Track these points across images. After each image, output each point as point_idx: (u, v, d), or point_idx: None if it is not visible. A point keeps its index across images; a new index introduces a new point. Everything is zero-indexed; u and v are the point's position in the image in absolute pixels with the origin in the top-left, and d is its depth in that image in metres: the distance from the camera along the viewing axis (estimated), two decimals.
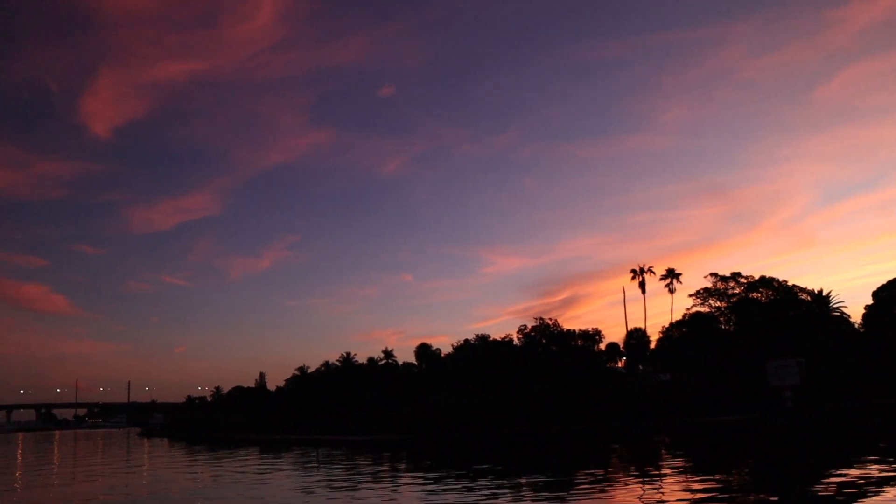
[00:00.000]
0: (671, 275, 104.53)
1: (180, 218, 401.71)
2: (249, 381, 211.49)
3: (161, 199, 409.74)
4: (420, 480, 27.62)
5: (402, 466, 36.61)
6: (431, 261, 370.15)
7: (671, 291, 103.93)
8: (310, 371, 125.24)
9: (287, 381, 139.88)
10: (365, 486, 26.50)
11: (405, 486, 26.04)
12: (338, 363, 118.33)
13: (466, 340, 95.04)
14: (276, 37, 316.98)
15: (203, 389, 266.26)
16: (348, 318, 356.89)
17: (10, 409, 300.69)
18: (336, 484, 27.33)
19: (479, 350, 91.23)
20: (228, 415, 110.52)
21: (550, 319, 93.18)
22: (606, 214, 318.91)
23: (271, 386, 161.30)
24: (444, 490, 23.86)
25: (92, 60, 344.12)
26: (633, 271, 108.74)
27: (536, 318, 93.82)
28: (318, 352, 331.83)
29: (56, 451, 65.88)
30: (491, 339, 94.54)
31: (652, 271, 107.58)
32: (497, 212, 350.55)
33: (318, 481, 28.65)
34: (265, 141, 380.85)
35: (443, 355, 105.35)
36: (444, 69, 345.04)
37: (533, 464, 33.80)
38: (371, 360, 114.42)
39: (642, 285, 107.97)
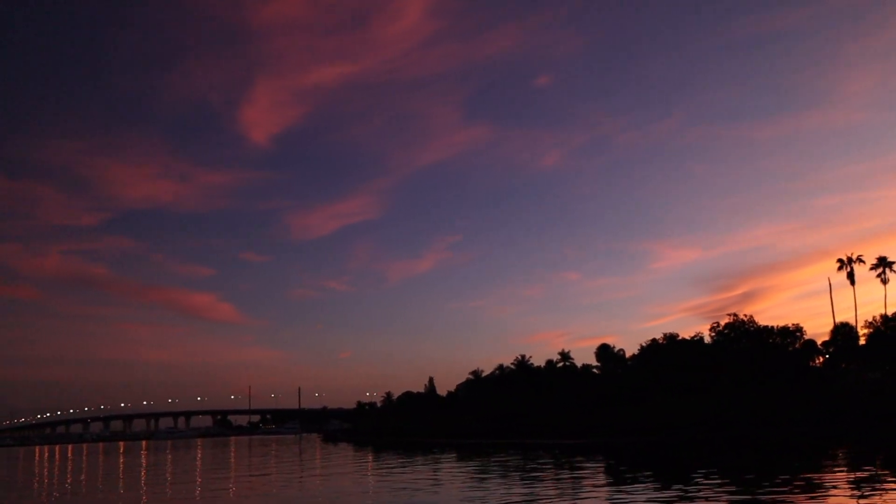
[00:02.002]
0: (883, 263, 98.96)
1: (339, 223, 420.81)
2: (415, 386, 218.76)
3: (320, 205, 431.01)
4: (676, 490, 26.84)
5: (626, 472, 36.62)
6: (597, 257, 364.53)
7: (884, 282, 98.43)
8: (484, 375, 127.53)
9: (459, 385, 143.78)
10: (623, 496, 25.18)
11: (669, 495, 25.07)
12: (512, 366, 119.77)
13: (654, 340, 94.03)
14: (425, 33, 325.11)
15: (372, 395, 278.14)
16: (512, 320, 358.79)
17: (188, 415, 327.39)
18: (585, 492, 26.58)
19: (666, 350, 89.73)
20: (402, 420, 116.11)
21: (745, 316, 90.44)
22: (786, 200, 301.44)
23: (440, 391, 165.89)
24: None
25: (248, 71, 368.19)
26: (840, 261, 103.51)
27: (730, 315, 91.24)
28: (482, 355, 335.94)
29: (274, 456, 70.92)
30: (679, 338, 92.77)
31: (861, 260, 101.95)
32: (664, 202, 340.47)
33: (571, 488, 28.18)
34: (420, 140, 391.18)
35: (626, 356, 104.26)
36: (602, 54, 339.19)
37: (773, 471, 31.52)
38: (550, 362, 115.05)
39: (851, 276, 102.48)
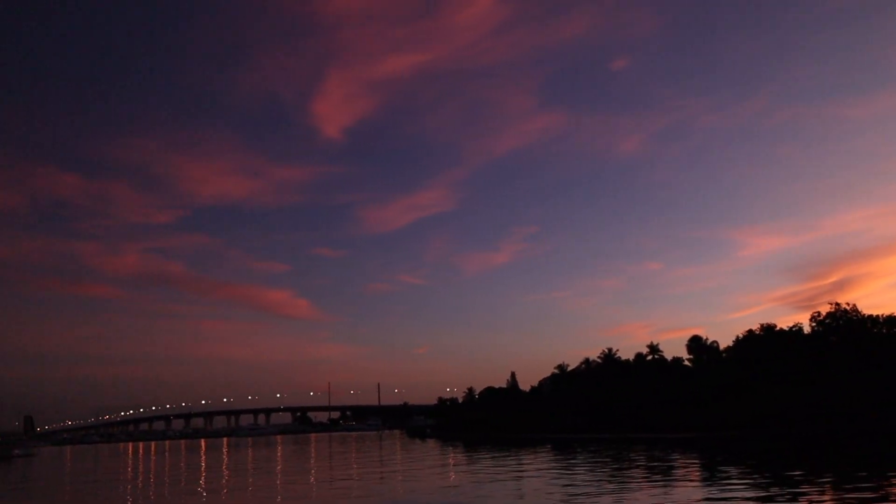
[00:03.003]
0: None
1: (414, 215, 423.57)
2: (495, 380, 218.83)
3: (394, 198, 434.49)
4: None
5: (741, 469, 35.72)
6: (679, 246, 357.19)
7: None
8: (570, 369, 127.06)
9: (543, 380, 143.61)
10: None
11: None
12: (599, 360, 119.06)
13: (750, 331, 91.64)
14: (497, 19, 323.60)
15: (452, 391, 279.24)
16: (592, 312, 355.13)
17: (268, 412, 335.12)
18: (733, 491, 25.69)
19: (763, 341, 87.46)
20: (487, 415, 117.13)
21: (847, 304, 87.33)
22: (881, 181, 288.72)
23: (522, 385, 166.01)
24: None
25: (319, 63, 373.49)
26: None
27: (831, 304, 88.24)
28: (562, 348, 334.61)
29: (373, 450, 71.94)
30: (777, 328, 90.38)
31: None
32: (750, 187, 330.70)
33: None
34: (494, 128, 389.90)
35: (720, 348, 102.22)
36: (682, 33, 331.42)
37: None
38: (639, 355, 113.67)
39: None
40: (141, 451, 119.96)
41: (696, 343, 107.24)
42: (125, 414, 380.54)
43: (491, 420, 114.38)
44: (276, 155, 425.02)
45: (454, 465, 40.15)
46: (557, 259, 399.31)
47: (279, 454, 75.58)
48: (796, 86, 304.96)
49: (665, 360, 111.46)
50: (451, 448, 70.33)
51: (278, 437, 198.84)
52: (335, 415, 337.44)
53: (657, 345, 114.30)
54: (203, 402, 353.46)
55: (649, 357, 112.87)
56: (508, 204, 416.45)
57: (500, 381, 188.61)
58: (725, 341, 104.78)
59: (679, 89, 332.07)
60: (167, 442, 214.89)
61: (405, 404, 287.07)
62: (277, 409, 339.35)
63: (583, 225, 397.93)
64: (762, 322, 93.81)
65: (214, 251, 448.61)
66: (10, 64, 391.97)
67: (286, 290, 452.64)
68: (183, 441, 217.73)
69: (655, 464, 36.59)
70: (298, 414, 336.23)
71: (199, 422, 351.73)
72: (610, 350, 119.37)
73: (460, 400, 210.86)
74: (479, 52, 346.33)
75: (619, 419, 78.66)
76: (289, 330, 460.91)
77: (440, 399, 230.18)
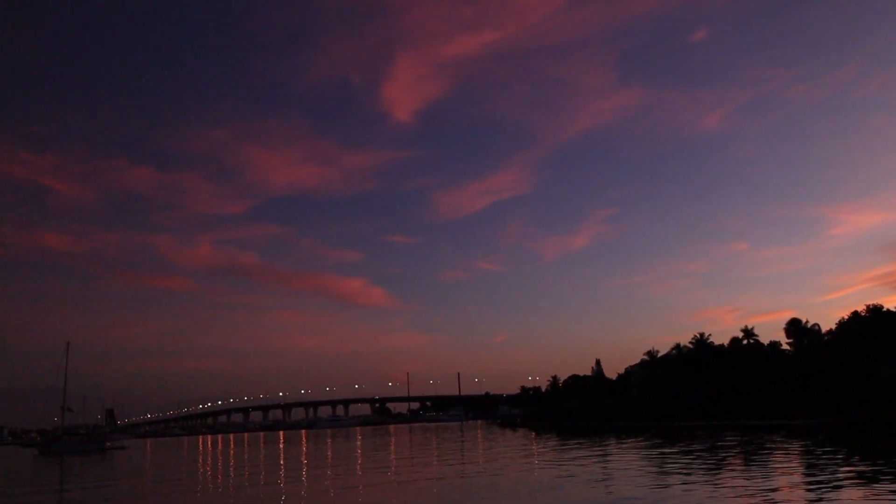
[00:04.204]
0: None
1: (488, 199, 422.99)
2: (578, 368, 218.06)
3: (467, 182, 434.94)
4: None
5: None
6: (767, 225, 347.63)
7: None
8: (659, 355, 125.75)
9: (630, 367, 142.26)
10: None
11: None
12: (690, 345, 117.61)
13: (855, 313, 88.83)
14: None
15: (535, 379, 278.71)
16: (676, 297, 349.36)
17: (346, 403, 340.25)
18: None
19: (870, 323, 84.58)
20: (574, 404, 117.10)
21: None
22: None
23: (607, 372, 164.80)
24: None
25: (388, 47, 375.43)
26: None
27: None
28: (646, 334, 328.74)
29: (476, 444, 71.46)
30: (885, 309, 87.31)
31: None
32: (842, 162, 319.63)
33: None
34: (569, 107, 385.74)
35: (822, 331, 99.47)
36: (764, 1, 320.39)
37: None
38: (735, 339, 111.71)
39: None
40: (220, 443, 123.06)
41: (795, 326, 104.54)
42: (204, 406, 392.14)
43: (578, 409, 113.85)
44: (346, 141, 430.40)
45: (577, 457, 39.03)
46: (638, 242, 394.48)
47: (391, 445, 76.24)
48: (888, 53, 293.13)
49: (762, 344, 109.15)
50: (547, 438, 69.99)
51: (357, 429, 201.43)
52: (414, 405, 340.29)
53: (752, 328, 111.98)
54: (281, 393, 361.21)
55: (745, 341, 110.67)
56: (586, 185, 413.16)
57: (583, 369, 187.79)
58: (820, 324, 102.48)
59: (763, 60, 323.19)
60: (246, 434, 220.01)
61: (487, 394, 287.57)
62: (356, 400, 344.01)
63: (664, 205, 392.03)
64: (859, 303, 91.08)
65: (287, 241, 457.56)
66: (81, 59, 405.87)
67: (360, 278, 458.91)
68: (262, 433, 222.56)
69: (808, 458, 33.58)
70: (377, 405, 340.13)
71: (277, 413, 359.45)
72: (702, 335, 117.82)
73: (544, 389, 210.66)
74: (551, 29, 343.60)
75: (719, 406, 77.57)
76: (364, 319, 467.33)
77: (523, 388, 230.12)
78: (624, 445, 49.41)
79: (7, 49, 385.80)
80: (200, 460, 64.29)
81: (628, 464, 34.11)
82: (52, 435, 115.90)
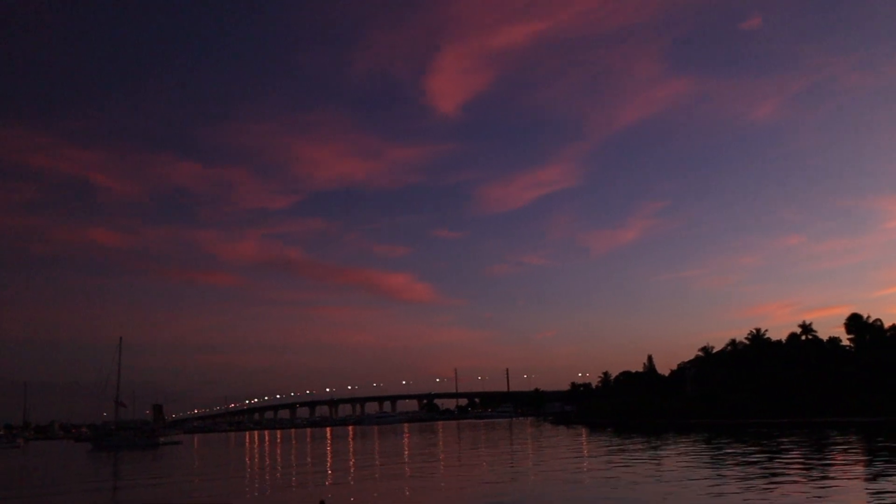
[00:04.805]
0: None
1: (535, 193, 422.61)
2: (628, 364, 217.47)
3: (514, 175, 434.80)
4: None
5: None
6: (823, 218, 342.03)
7: None
8: (714, 351, 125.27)
9: (683, 363, 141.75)
10: None
11: None
12: (746, 341, 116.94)
13: None
14: None
15: (585, 375, 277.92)
16: (729, 291, 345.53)
17: (394, 399, 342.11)
18: None
19: None
20: (626, 400, 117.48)
21: None
22: None
23: (660, 369, 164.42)
24: None
25: (433, 38, 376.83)
26: None
27: None
28: (699, 330, 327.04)
29: (538, 442, 71.46)
30: None
31: None
32: None
33: None
34: (619, 98, 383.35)
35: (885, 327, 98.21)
36: None
37: None
38: (793, 335, 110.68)
39: None
40: (267, 439, 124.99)
41: (855, 322, 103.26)
42: (250, 402, 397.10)
43: (633, 405, 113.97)
44: (391, 135, 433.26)
45: (655, 457, 38.61)
46: (690, 235, 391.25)
47: (455, 443, 77.06)
48: None
49: (820, 340, 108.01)
50: (605, 435, 70.35)
51: (405, 426, 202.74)
52: (462, 402, 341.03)
53: (810, 324, 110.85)
54: (327, 389, 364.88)
55: (803, 337, 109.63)
56: (636, 178, 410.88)
57: (634, 365, 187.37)
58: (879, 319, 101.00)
59: (820, 47, 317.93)
60: (293, 430, 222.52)
61: (536, 390, 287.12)
62: (403, 397, 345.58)
63: (717, 198, 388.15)
64: None
65: (332, 235, 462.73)
66: (128, 55, 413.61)
67: (406, 273, 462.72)
68: (309, 429, 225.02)
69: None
70: (425, 401, 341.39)
71: (324, 410, 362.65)
72: (758, 330, 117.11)
73: (594, 385, 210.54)
74: (600, 18, 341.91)
75: (781, 403, 77.28)
76: (410, 314, 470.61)
77: (573, 384, 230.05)
78: (698, 444, 49.15)
79: (55, 46, 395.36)
80: (265, 457, 65.71)
81: (727, 465, 32.81)
82: (104, 430, 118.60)
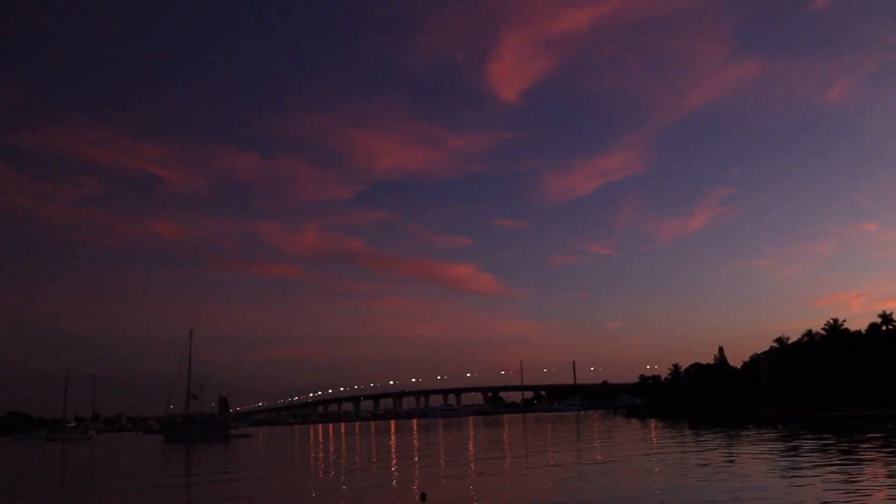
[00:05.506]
0: None
1: (600, 181, 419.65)
2: (697, 356, 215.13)
3: (577, 163, 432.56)
4: None
5: None
6: None
7: None
8: (789, 342, 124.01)
9: (755, 355, 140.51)
10: None
11: None
12: (822, 331, 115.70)
13: None
14: None
15: (653, 367, 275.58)
16: (800, 280, 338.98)
17: (458, 392, 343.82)
18: None
19: None
20: (697, 392, 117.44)
21: None
22: None
23: (731, 360, 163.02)
24: None
25: (493, 24, 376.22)
26: None
27: None
28: (769, 320, 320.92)
29: (618, 437, 70.46)
30: None
31: None
32: None
33: None
34: (684, 82, 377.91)
35: None
36: None
37: None
38: (873, 325, 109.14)
39: None
40: (332, 431, 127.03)
41: None
42: (314, 395, 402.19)
43: (706, 398, 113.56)
44: (451, 123, 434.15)
45: (763, 453, 37.55)
46: (759, 223, 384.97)
47: (528, 436, 77.71)
48: None
49: None
50: (685, 428, 70.13)
51: (470, 419, 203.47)
52: (528, 395, 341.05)
53: (890, 313, 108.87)
54: (391, 382, 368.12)
55: (883, 327, 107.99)
56: (702, 164, 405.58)
57: (703, 356, 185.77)
58: None
59: (892, 24, 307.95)
60: (357, 423, 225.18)
61: (604, 383, 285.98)
62: (468, 389, 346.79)
63: (786, 184, 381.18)
64: None
65: (393, 226, 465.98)
66: (186, 47, 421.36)
67: (469, 264, 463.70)
68: (373, 423, 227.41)
69: None
70: (490, 394, 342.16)
71: (388, 402, 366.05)
72: (835, 321, 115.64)
73: (663, 378, 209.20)
74: None
75: (863, 396, 76.37)
76: (474, 306, 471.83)
77: (641, 377, 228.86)
78: (790, 438, 48.32)
79: (115, 40, 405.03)
80: (336, 449, 67.15)
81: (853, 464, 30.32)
82: (174, 422, 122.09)
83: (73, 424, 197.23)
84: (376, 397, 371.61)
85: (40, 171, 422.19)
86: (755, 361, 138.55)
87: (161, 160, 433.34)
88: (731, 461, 32.80)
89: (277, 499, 28.05)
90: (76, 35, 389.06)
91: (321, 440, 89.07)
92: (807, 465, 29.77)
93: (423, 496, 23.51)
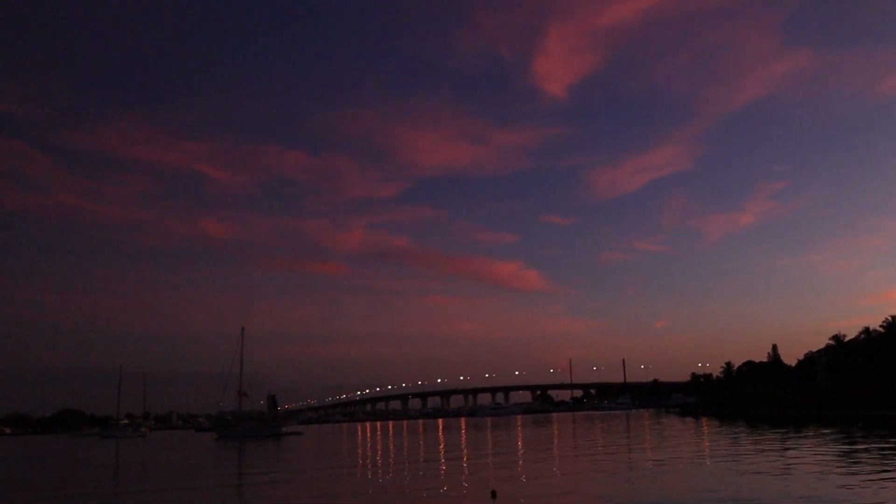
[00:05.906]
0: None
1: (648, 176, 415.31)
2: (749, 354, 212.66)
3: (625, 158, 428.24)
4: None
5: None
6: None
7: None
8: (846, 339, 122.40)
9: (811, 352, 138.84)
10: None
11: None
12: (881, 329, 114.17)
13: None
14: None
15: (705, 366, 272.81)
16: (854, 276, 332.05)
17: (506, 390, 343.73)
18: None
19: None
20: (751, 391, 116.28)
21: None
22: None
23: (785, 358, 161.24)
24: None
25: (539, 19, 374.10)
26: None
27: None
28: (823, 318, 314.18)
29: (686, 438, 69.75)
30: None
31: None
32: None
33: None
34: (734, 75, 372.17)
35: None
36: None
37: None
38: None
39: None
40: (379, 429, 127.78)
41: None
42: (362, 393, 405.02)
43: (761, 396, 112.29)
44: (498, 119, 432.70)
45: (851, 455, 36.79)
46: (811, 218, 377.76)
47: (592, 434, 77.59)
48: None
49: None
50: (743, 427, 69.30)
51: (519, 417, 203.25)
52: (577, 393, 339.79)
53: None
54: (439, 380, 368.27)
55: None
56: (753, 158, 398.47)
57: (755, 354, 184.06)
58: None
59: None
60: (405, 422, 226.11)
61: (655, 381, 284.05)
62: (516, 388, 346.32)
63: (839, 178, 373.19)
64: None
65: (439, 223, 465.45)
66: (230, 45, 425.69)
67: (515, 261, 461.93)
68: (421, 421, 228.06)
69: None
70: (538, 392, 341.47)
71: (435, 401, 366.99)
72: (894, 317, 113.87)
73: (715, 376, 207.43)
74: None
75: None
76: (520, 303, 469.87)
77: (693, 375, 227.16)
78: (859, 439, 46.73)
79: (162, 38, 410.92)
80: (390, 447, 67.72)
81: None
82: (226, 419, 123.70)
83: (126, 422, 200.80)
84: (424, 395, 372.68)
85: (90, 170, 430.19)
86: (811, 359, 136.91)
87: (208, 158, 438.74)
88: (814, 463, 31.57)
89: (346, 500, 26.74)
90: (123, 35, 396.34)
91: (369, 438, 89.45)
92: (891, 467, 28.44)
93: (494, 494, 23.43)
